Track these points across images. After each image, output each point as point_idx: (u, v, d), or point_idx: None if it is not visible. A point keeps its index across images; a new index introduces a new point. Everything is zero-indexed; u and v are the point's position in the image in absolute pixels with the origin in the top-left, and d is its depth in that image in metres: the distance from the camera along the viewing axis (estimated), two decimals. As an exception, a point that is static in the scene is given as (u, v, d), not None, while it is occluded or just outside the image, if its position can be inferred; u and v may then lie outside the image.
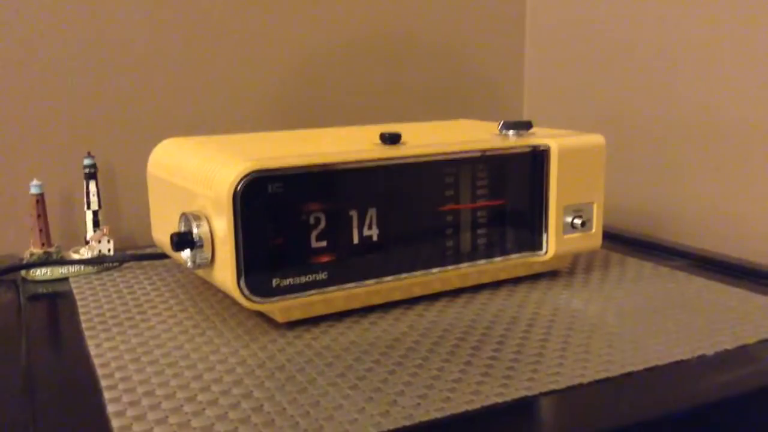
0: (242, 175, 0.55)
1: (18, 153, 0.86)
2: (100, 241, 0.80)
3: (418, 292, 0.67)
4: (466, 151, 0.65)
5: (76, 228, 0.90)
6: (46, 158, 0.88)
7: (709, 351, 0.54)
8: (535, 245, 0.70)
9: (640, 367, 0.51)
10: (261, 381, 0.51)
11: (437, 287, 0.68)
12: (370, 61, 1.02)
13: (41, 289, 0.74)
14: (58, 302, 0.70)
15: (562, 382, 0.49)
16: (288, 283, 0.58)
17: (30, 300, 0.71)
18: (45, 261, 0.77)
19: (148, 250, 0.85)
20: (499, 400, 0.47)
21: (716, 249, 0.85)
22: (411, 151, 0.63)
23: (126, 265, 0.80)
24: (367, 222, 0.62)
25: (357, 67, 1.01)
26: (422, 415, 0.45)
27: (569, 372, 0.51)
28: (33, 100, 0.86)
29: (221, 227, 0.57)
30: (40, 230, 0.79)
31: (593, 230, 0.71)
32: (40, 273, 0.76)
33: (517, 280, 0.72)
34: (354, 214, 0.61)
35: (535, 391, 0.48)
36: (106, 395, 0.49)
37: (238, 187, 0.55)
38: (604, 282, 0.71)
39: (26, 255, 0.79)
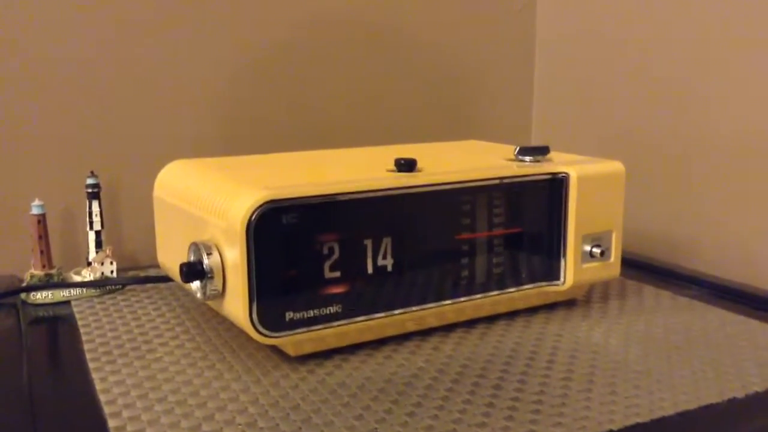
0: (256, 205, 0.53)
1: (19, 172, 0.84)
2: (102, 263, 0.78)
3: (432, 322, 0.65)
4: (483, 179, 0.63)
5: (77, 248, 0.88)
6: (46, 177, 0.85)
7: (740, 393, 0.52)
8: (553, 275, 0.68)
9: (671, 412, 0.50)
10: (275, 423, 0.49)
11: (452, 318, 0.66)
12: (381, 80, 1.00)
13: (42, 313, 0.72)
14: (60, 328, 0.68)
15: (591, 428, 0.47)
16: (301, 316, 0.56)
17: (31, 325, 0.68)
18: (46, 284, 0.75)
19: (151, 271, 0.83)
20: (527, 448, 0.45)
21: (732, 277, 0.83)
22: (428, 179, 0.61)
23: (129, 287, 0.78)
24: (381, 252, 0.60)
25: (367, 86, 0.99)
26: (447, 465, 0.43)
27: (597, 416, 0.49)
28: (34, 118, 0.84)
29: (233, 258, 0.54)
30: (42, 252, 0.77)
31: (612, 259, 0.69)
32: (41, 296, 0.74)
33: (532, 310, 0.70)
34: (368, 243, 0.59)
35: (564, 439, 0.46)
36: (114, 438, 0.47)
37: (252, 218, 0.53)
38: (623, 313, 0.69)
39: (27, 277, 0.77)
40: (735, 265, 0.84)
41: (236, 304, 0.55)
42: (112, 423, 0.49)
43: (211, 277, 0.57)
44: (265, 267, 0.54)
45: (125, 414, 0.50)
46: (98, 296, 0.75)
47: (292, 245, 0.55)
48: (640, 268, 0.84)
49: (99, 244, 0.81)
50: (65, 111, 0.85)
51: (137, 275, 0.81)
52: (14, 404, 0.53)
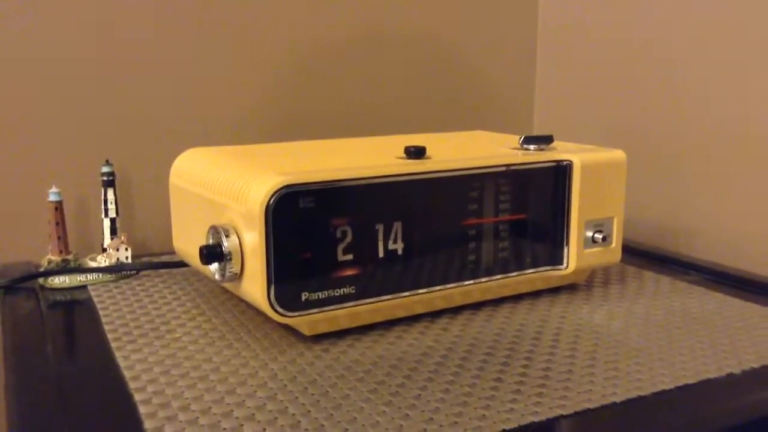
0: (275, 189, 0.55)
1: (36, 160, 0.86)
2: (118, 249, 0.80)
3: (440, 304, 0.67)
4: (490, 166, 0.66)
5: (90, 235, 0.90)
6: (62, 165, 0.87)
7: (737, 369, 0.55)
8: (556, 259, 0.70)
9: (671, 386, 0.52)
10: (295, 396, 0.51)
11: (459, 300, 0.68)
12: (384, 68, 1.02)
13: (60, 297, 0.74)
14: (79, 311, 0.70)
15: (595, 401, 0.50)
16: (316, 296, 0.59)
17: (51, 308, 0.71)
18: (64, 269, 0.77)
19: (164, 258, 0.85)
20: (535, 419, 0.48)
21: (730, 263, 0.85)
22: (437, 166, 0.63)
23: (143, 272, 0.80)
24: (392, 236, 0.62)
25: (377, 81, 1.01)
26: (460, 434, 0.46)
27: (601, 390, 0.52)
28: (51, 107, 0.86)
29: (252, 241, 0.57)
30: (59, 238, 0.79)
31: (613, 245, 0.72)
32: (59, 281, 0.76)
33: (536, 294, 0.73)
34: (380, 228, 0.61)
35: (570, 410, 0.49)
36: (141, 410, 0.49)
37: (271, 202, 0.55)
38: (623, 296, 0.72)
39: (44, 262, 0.79)
40: (731, 252, 0.86)
41: (254, 285, 0.57)
42: (138, 397, 0.51)
43: (230, 259, 0.59)
44: (283, 249, 0.57)
45: (150, 389, 0.52)
46: (114, 281, 0.78)
47: (308, 228, 0.58)
48: (639, 255, 0.87)
49: (114, 231, 0.83)
50: (81, 101, 0.87)
51: (152, 261, 0.83)
52: (43, 382, 0.55)
